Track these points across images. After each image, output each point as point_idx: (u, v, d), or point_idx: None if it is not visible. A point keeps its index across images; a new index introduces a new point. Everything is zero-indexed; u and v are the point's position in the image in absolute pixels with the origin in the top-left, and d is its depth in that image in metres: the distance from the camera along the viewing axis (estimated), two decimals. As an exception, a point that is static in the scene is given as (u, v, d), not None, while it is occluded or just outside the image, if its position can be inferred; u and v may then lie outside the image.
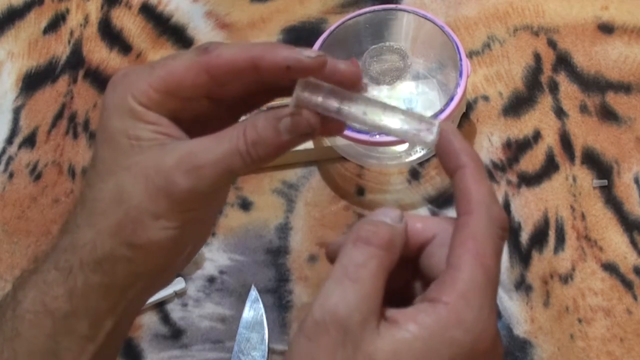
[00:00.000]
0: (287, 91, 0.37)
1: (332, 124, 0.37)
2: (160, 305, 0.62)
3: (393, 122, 0.36)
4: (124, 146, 0.36)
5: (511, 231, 0.61)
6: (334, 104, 0.36)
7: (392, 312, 0.32)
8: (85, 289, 0.36)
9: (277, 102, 0.40)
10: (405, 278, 0.37)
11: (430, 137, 0.36)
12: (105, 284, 0.37)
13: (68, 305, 0.36)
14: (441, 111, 0.59)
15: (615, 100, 0.65)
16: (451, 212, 0.62)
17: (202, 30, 0.76)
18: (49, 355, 0.37)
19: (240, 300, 0.61)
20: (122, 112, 0.37)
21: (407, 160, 0.64)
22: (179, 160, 0.35)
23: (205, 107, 0.39)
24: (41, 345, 0.36)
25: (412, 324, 0.31)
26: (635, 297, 0.57)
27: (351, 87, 0.37)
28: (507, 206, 0.62)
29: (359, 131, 0.59)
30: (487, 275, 0.33)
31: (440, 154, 0.36)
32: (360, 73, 0.37)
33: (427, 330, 0.31)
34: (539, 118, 0.66)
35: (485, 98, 0.67)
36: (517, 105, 0.67)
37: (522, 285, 0.58)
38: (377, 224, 0.34)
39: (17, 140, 0.72)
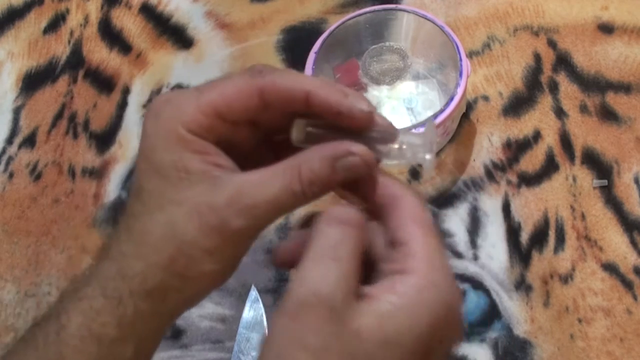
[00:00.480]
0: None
1: None
2: (160, 305, 0.62)
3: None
4: (172, 179, 0.36)
5: (511, 231, 0.61)
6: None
7: (366, 289, 0.34)
8: (135, 317, 0.37)
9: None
10: None
11: (428, 156, 0.37)
12: (155, 311, 0.37)
13: (116, 332, 0.36)
14: (441, 111, 0.59)
15: (615, 100, 0.65)
16: (451, 212, 0.62)
17: (202, 30, 0.76)
18: None
19: (240, 300, 0.61)
20: (168, 142, 0.36)
21: (407, 160, 0.64)
22: (231, 198, 0.35)
23: (245, 133, 0.39)
24: None
25: (391, 294, 0.33)
26: (635, 297, 0.57)
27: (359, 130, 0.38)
28: (507, 206, 0.62)
29: (359, 131, 0.59)
30: (437, 239, 0.35)
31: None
32: (372, 119, 0.37)
33: (406, 297, 0.33)
34: (539, 118, 0.66)
35: (485, 98, 0.67)
36: (517, 105, 0.67)
37: (522, 285, 0.58)
38: (345, 207, 0.36)
39: (17, 140, 0.72)
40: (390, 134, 0.37)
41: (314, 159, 0.36)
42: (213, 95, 0.37)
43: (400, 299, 0.33)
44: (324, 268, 0.33)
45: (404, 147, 0.37)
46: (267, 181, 0.36)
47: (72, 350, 0.36)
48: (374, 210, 0.37)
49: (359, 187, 0.38)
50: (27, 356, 0.37)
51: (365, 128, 0.37)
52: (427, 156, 0.37)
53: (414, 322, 0.33)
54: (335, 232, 0.34)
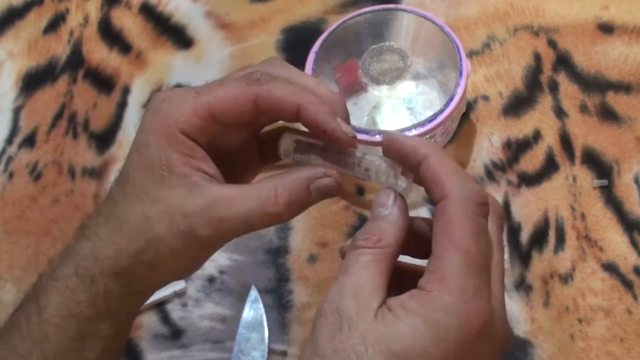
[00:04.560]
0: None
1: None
2: (160, 305, 0.62)
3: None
4: (156, 176, 0.38)
5: (511, 231, 0.61)
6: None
7: (392, 300, 0.35)
8: (106, 295, 0.39)
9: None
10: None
11: (403, 185, 0.39)
12: (124, 292, 0.40)
13: (91, 310, 0.39)
14: (441, 111, 0.59)
15: (615, 100, 0.65)
16: (451, 212, 0.62)
17: (202, 30, 0.76)
18: (75, 355, 0.40)
19: (240, 300, 0.61)
20: (160, 139, 0.38)
21: (407, 160, 0.64)
22: (203, 208, 0.37)
23: (236, 132, 0.41)
24: (68, 347, 0.39)
25: (401, 309, 0.34)
26: (635, 297, 0.57)
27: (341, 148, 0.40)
28: (507, 206, 0.62)
29: (359, 131, 0.59)
30: (466, 259, 0.34)
31: (397, 158, 0.38)
32: (353, 143, 0.39)
33: (412, 314, 0.34)
34: (539, 118, 0.66)
35: (485, 98, 0.67)
36: (517, 105, 0.67)
37: (522, 285, 0.58)
38: (367, 228, 0.37)
39: (17, 140, 0.72)
40: (356, 158, 0.39)
41: (288, 182, 0.38)
42: (210, 98, 0.38)
43: (406, 315, 0.34)
44: (338, 282, 0.36)
45: (377, 172, 0.39)
46: (242, 198, 0.38)
47: (55, 329, 0.39)
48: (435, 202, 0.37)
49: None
50: (12, 338, 0.40)
51: (344, 149, 0.39)
52: (400, 182, 0.39)
53: (416, 339, 0.33)
54: (352, 255, 0.36)
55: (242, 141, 0.42)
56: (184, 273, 0.42)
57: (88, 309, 0.39)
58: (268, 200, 0.37)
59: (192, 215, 0.37)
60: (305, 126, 0.39)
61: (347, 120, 0.39)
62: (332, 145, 0.39)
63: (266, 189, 0.38)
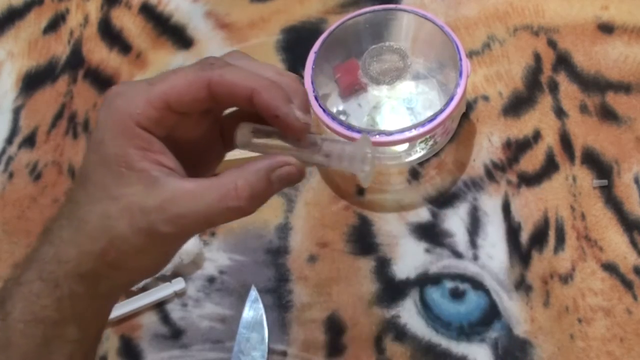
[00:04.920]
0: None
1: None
2: (160, 305, 0.62)
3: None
4: (115, 173, 0.37)
5: (511, 231, 0.61)
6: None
7: None
8: (72, 298, 0.38)
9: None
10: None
11: (366, 168, 0.39)
12: (90, 294, 0.39)
13: (57, 314, 0.38)
14: (441, 111, 0.59)
15: (615, 100, 0.65)
16: (451, 212, 0.62)
17: (202, 30, 0.76)
18: None
19: (240, 300, 0.61)
20: (116, 135, 0.37)
21: (407, 160, 0.64)
22: (162, 205, 0.37)
23: (195, 121, 0.40)
24: (34, 352, 0.38)
25: None
26: (635, 297, 0.57)
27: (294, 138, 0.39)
28: (507, 206, 0.62)
29: (359, 131, 0.59)
30: None
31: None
32: (307, 129, 0.39)
33: None
34: (539, 118, 0.66)
35: (485, 98, 0.67)
36: (517, 105, 0.67)
37: (522, 285, 0.58)
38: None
39: (17, 140, 0.72)
40: (315, 143, 0.39)
41: (249, 175, 0.37)
42: (163, 87, 0.37)
43: None
44: None
45: (341, 156, 0.39)
46: (201, 193, 0.37)
47: (19, 335, 0.38)
48: None
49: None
50: None
51: (299, 136, 0.38)
52: (365, 167, 0.38)
53: None
54: None
55: (204, 130, 0.41)
56: (151, 271, 0.41)
57: (54, 313, 0.38)
58: (229, 194, 0.37)
59: (151, 212, 0.37)
60: (259, 112, 0.38)
61: (303, 108, 0.38)
62: (286, 137, 0.38)
63: (226, 183, 0.37)
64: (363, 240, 0.63)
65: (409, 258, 0.61)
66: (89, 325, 0.40)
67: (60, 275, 0.38)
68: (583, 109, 0.65)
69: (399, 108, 0.65)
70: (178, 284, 0.62)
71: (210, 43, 0.75)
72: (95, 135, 0.38)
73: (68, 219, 0.38)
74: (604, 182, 0.62)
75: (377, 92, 0.65)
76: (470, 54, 0.70)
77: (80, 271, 0.38)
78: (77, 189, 0.39)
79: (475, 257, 0.60)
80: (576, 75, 0.67)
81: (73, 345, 0.39)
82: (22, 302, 0.38)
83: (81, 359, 0.40)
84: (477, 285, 0.59)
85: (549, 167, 0.63)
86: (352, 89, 0.66)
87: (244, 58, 0.40)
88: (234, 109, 0.41)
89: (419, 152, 0.64)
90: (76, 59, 0.76)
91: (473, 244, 0.61)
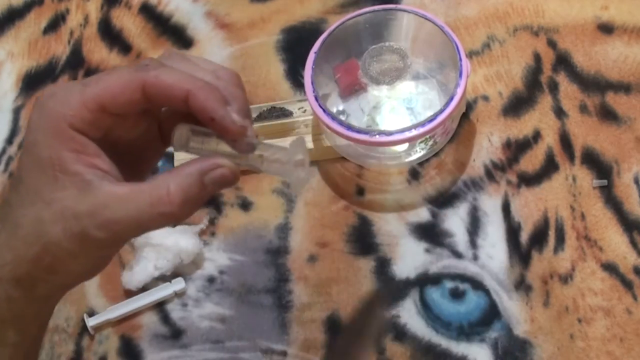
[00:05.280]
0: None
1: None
2: (160, 306, 0.62)
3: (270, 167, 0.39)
4: (48, 177, 0.36)
5: (511, 231, 0.61)
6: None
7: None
8: (9, 302, 0.38)
9: None
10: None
11: (301, 174, 0.38)
12: (27, 297, 0.38)
13: None
14: (441, 111, 0.59)
15: (615, 100, 0.65)
16: (451, 212, 0.62)
17: (202, 30, 0.76)
18: None
19: (240, 300, 0.61)
20: (50, 137, 0.36)
21: (407, 160, 0.64)
22: (94, 210, 0.36)
23: (132, 122, 0.39)
24: None
25: None
26: (635, 297, 0.57)
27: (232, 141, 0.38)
28: (507, 206, 0.62)
29: (359, 131, 0.59)
30: None
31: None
32: (244, 133, 0.38)
33: None
34: (539, 118, 0.66)
35: (485, 98, 0.67)
36: (517, 105, 0.67)
37: (522, 285, 0.59)
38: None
39: (17, 140, 0.72)
40: (251, 146, 0.38)
41: (181, 179, 0.36)
42: (97, 89, 0.37)
43: None
44: None
45: (275, 160, 0.38)
46: (133, 198, 0.36)
47: None
48: None
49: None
50: None
51: (235, 138, 0.37)
52: (299, 173, 0.38)
53: None
54: None
55: (142, 131, 0.41)
56: (88, 274, 0.40)
57: None
58: (161, 200, 0.36)
59: (83, 217, 0.36)
60: (195, 114, 0.37)
61: (241, 111, 0.37)
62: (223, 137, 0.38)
63: (158, 188, 0.36)
64: (363, 240, 0.63)
65: (409, 258, 0.61)
66: (28, 327, 0.40)
67: None
68: (583, 109, 0.65)
69: (399, 108, 0.65)
70: (178, 284, 0.62)
71: (210, 43, 0.75)
72: (28, 137, 0.37)
73: (2, 222, 0.38)
74: (604, 182, 0.62)
75: (377, 92, 0.65)
76: (470, 54, 0.70)
77: (16, 275, 0.37)
78: (10, 192, 0.38)
79: (475, 257, 0.60)
80: (576, 75, 0.67)
81: (13, 348, 0.39)
82: None
83: None
84: (477, 285, 0.59)
85: (549, 167, 0.63)
86: (352, 89, 0.66)
87: (181, 59, 0.39)
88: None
89: (419, 152, 0.64)
90: (76, 59, 0.76)
91: (473, 244, 0.61)
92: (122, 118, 0.38)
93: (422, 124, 0.59)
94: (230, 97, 0.37)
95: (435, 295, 0.59)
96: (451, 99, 0.60)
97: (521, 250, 0.60)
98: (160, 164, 0.66)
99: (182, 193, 0.36)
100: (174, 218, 0.37)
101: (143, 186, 0.36)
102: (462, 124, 0.66)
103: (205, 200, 0.38)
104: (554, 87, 0.67)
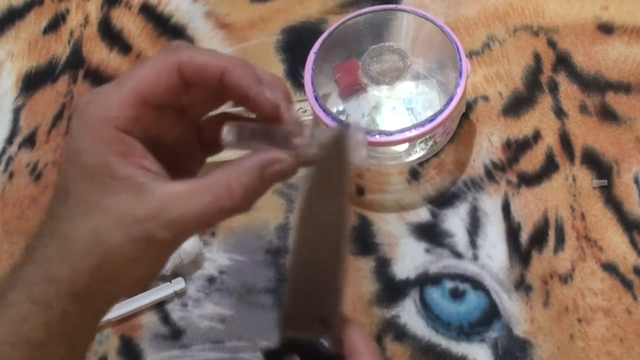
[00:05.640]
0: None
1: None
2: (160, 305, 0.62)
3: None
4: (97, 184, 0.36)
5: (511, 231, 0.61)
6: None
7: None
8: (64, 318, 0.37)
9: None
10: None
11: (363, 154, 0.38)
12: (84, 311, 0.37)
13: (45, 335, 0.37)
14: (441, 111, 0.59)
15: (615, 100, 0.65)
16: (451, 212, 0.62)
17: (202, 30, 0.76)
18: None
19: (240, 300, 0.61)
20: (93, 144, 0.36)
21: (407, 160, 0.64)
22: (155, 212, 0.35)
23: (172, 120, 0.39)
24: None
25: None
26: (635, 297, 0.57)
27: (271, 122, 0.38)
28: (507, 206, 0.62)
29: (359, 131, 0.59)
30: None
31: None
32: (277, 111, 0.38)
33: None
34: (539, 118, 0.66)
35: (485, 98, 0.67)
36: (517, 105, 0.67)
37: (522, 285, 0.59)
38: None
39: (17, 140, 0.72)
40: (300, 128, 0.38)
41: (242, 173, 0.36)
42: (133, 82, 0.36)
43: None
44: None
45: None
46: (194, 196, 0.36)
47: (4, 357, 0.36)
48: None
49: None
50: None
51: (271, 118, 0.37)
52: (361, 152, 0.38)
53: None
54: None
55: (181, 132, 0.40)
56: (147, 280, 0.40)
57: (42, 334, 0.36)
58: (223, 194, 0.36)
59: (145, 220, 0.35)
60: (229, 93, 0.37)
61: (275, 90, 0.37)
62: (276, 127, 0.37)
63: (219, 183, 0.36)
64: (363, 240, 0.63)
65: (409, 258, 0.61)
66: (78, 342, 0.39)
67: (52, 296, 0.36)
68: (583, 109, 0.65)
69: (399, 108, 0.65)
70: (178, 284, 0.62)
71: (210, 43, 0.76)
72: (71, 147, 0.36)
73: (51, 237, 0.37)
74: (604, 182, 0.62)
75: (377, 92, 0.65)
76: (470, 54, 0.70)
77: (75, 290, 0.36)
78: (57, 204, 0.37)
79: (475, 257, 0.60)
80: (576, 76, 0.67)
81: None
82: (7, 325, 0.36)
83: None
84: (477, 285, 0.59)
85: (549, 167, 0.63)
86: (352, 89, 0.66)
87: (196, 47, 0.39)
88: (212, 114, 0.41)
89: (419, 152, 0.64)
90: (76, 59, 0.76)
91: (473, 244, 0.61)
92: (161, 112, 0.38)
93: (422, 124, 0.59)
94: (262, 76, 0.37)
95: (435, 295, 0.59)
96: (451, 99, 0.60)
97: (521, 250, 0.60)
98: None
99: (243, 188, 0.36)
100: (236, 211, 0.37)
101: (202, 181, 0.36)
102: (462, 124, 0.66)
103: (265, 192, 0.38)
104: (554, 87, 0.67)
